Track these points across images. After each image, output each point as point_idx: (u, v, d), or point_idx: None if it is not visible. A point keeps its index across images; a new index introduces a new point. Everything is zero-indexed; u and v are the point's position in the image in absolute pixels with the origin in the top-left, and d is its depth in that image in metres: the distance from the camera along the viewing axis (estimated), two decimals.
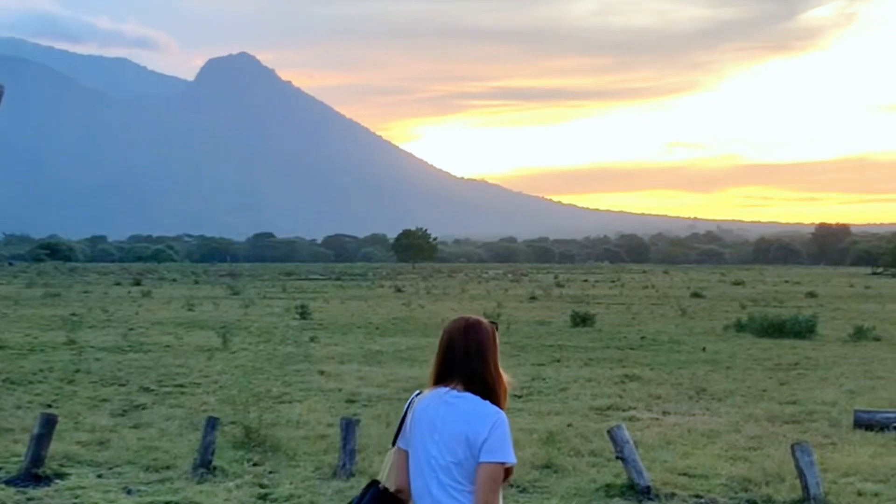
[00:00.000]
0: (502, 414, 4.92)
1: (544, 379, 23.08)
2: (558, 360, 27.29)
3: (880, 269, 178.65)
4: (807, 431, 16.08)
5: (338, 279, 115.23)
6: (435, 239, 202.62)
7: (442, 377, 5.05)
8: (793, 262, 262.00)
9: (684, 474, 12.89)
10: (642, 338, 34.87)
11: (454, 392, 4.95)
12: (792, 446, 11.73)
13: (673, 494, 11.89)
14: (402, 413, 5.12)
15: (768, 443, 15.08)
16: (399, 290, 79.91)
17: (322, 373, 23.99)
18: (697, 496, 11.89)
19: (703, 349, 30.59)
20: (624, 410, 18.46)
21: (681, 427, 16.54)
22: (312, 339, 33.04)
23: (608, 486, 12.17)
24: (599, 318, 42.72)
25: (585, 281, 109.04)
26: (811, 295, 70.55)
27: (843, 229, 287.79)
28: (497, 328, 5.20)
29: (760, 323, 36.44)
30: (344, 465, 12.75)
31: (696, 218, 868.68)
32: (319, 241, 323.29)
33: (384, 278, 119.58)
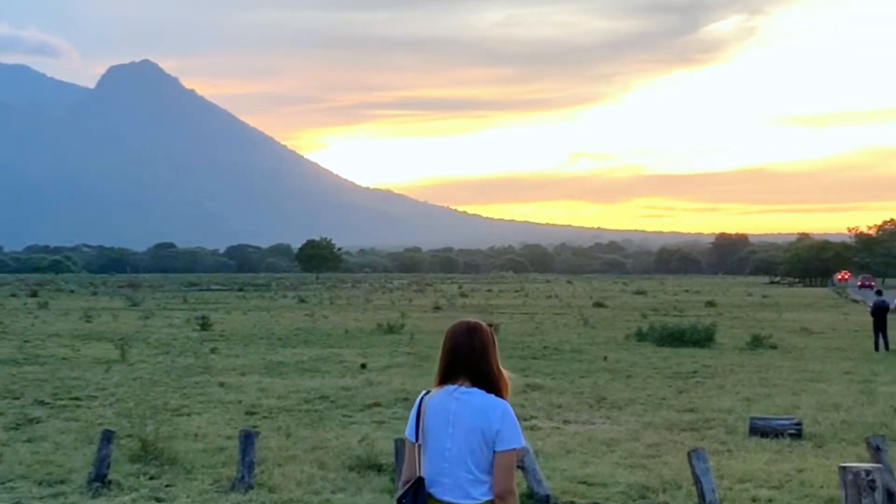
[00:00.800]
0: (508, 405, 5.51)
1: None
2: None
3: (777, 279, 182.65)
4: (704, 439, 16.30)
5: (240, 290, 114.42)
6: (339, 249, 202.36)
7: (448, 376, 5.60)
8: (693, 271, 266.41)
9: (583, 483, 12.99)
10: (545, 347, 35.11)
11: (462, 388, 5.51)
12: (688, 453, 11.86)
13: (572, 503, 11.96)
14: (415, 411, 5.64)
15: (666, 450, 15.26)
16: (302, 301, 79.57)
17: (222, 384, 23.75)
18: None
19: (605, 358, 30.87)
20: (525, 420, 18.50)
21: (581, 436, 16.67)
22: (213, 351, 32.71)
23: None
24: (503, 328, 42.88)
25: (489, 291, 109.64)
26: (710, 304, 71.73)
27: (742, 239, 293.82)
28: (495, 330, 5.76)
29: (661, 332, 36.87)
30: (242, 477, 12.61)
31: (599, 228, 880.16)
32: (222, 251, 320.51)
33: (288, 289, 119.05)
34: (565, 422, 18.41)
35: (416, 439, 5.60)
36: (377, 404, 20.54)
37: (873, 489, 7.78)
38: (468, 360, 5.53)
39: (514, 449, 5.43)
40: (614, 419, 18.74)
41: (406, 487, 5.58)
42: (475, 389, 5.49)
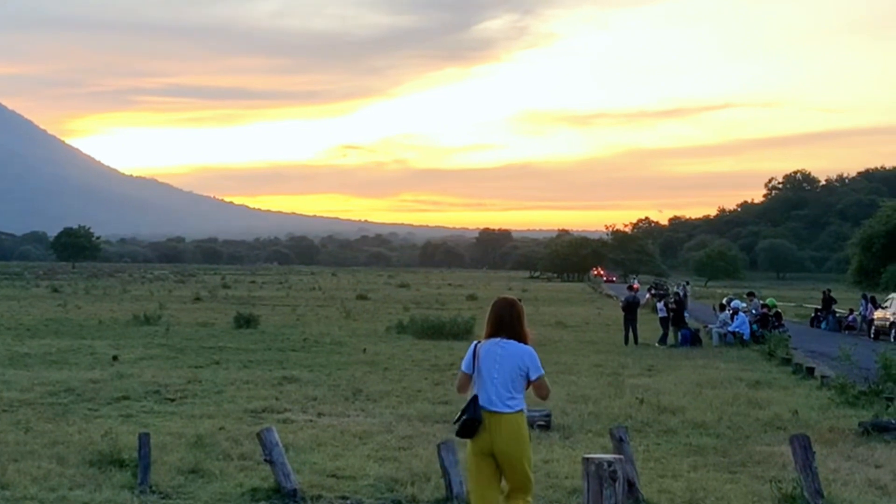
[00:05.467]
0: (533, 350, 9.11)
1: (200, 381, 22.54)
2: (217, 363, 26.76)
3: (537, 273, 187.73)
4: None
5: None
6: (98, 238, 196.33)
7: (495, 333, 9.06)
8: (457, 265, 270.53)
9: (333, 476, 12.81)
10: (305, 339, 34.84)
11: (504, 340, 9.02)
12: (438, 445, 11.85)
13: (319, 496, 11.76)
14: (470, 352, 9.10)
15: (418, 442, 15.26)
16: (56, 291, 76.78)
17: None
18: (344, 497, 11.81)
19: (364, 350, 30.85)
20: (279, 413, 18.25)
21: (334, 429, 16.49)
22: None
23: (255, 489, 11.93)
24: (264, 320, 42.46)
25: (253, 282, 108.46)
26: (472, 298, 72.83)
27: (505, 234, 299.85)
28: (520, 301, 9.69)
29: (421, 325, 37.18)
30: None
31: (366, 221, 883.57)
32: None
33: (41, 278, 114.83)
34: (319, 414, 18.20)
35: (472, 371, 8.99)
36: (126, 397, 19.84)
37: (614, 480, 7.87)
38: (509, 324, 9.03)
39: (541, 375, 9.07)
40: (369, 412, 18.66)
41: (467, 403, 8.91)
42: (511, 341, 8.99)
